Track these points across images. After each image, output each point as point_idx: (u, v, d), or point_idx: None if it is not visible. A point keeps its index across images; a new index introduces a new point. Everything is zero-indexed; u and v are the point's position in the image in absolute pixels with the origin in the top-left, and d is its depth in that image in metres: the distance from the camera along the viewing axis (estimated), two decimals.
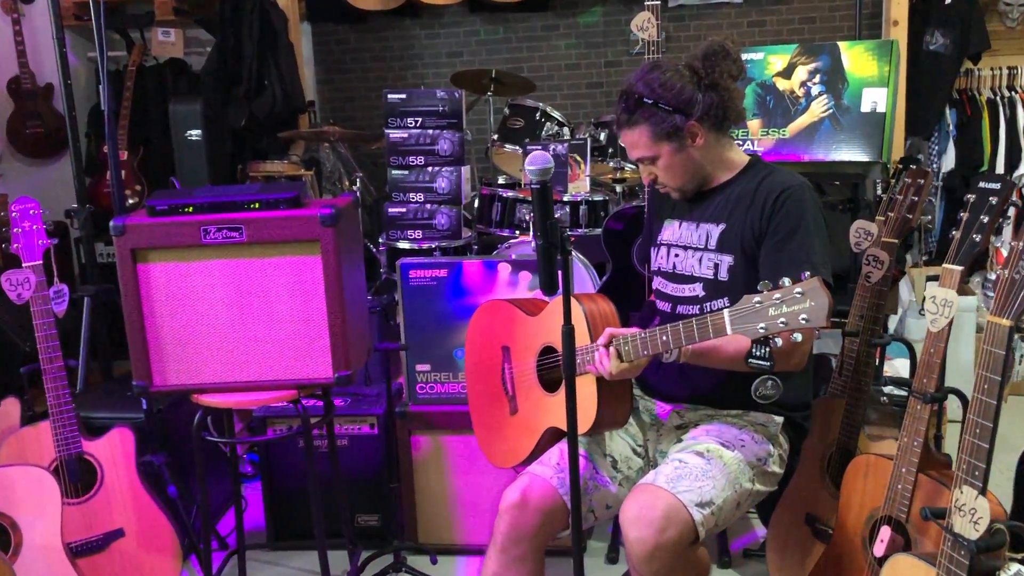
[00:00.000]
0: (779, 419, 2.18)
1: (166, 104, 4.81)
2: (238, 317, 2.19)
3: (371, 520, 3.08)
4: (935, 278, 2.60)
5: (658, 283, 2.24)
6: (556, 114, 4.36)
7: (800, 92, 2.72)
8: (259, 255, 2.16)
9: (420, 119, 3.60)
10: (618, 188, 3.96)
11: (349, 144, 5.10)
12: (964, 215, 1.85)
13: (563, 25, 5.78)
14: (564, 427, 2.11)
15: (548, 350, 2.17)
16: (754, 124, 2.87)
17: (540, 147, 3.69)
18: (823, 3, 5.50)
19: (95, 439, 2.52)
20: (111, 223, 2.13)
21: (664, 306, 2.21)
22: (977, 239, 1.81)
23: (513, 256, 3.43)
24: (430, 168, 3.64)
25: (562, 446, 2.16)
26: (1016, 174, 4.93)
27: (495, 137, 4.41)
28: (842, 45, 2.64)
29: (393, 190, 3.66)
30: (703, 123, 2.03)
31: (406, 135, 3.62)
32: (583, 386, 1.96)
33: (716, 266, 2.08)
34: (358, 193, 4.65)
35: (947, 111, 4.95)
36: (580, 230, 3.71)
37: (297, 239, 2.14)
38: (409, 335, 2.94)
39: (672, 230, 2.22)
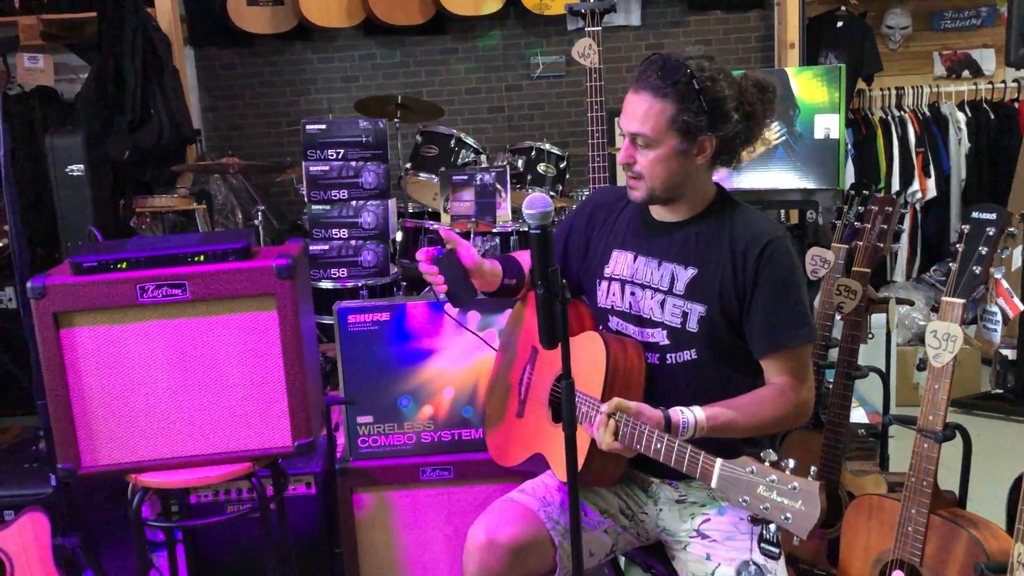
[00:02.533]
0: None
1: (34, 136, 4.40)
2: (181, 384, 1.93)
3: None
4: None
5: (616, 323, 2.03)
6: (471, 141, 4.23)
7: None
8: (205, 313, 1.92)
9: (342, 150, 3.38)
10: None
11: (244, 175, 4.82)
12: (960, 246, 1.81)
13: (462, 49, 5.66)
14: (553, 462, 1.98)
15: None
16: None
17: (464, 176, 3.53)
18: (717, 26, 5.59)
19: (3, 527, 2.19)
20: (29, 284, 1.84)
21: None
22: (977, 271, 1.77)
23: None
24: (354, 202, 3.43)
25: (548, 480, 2.02)
26: (909, 190, 5.12)
27: (408, 166, 4.23)
28: (790, 71, 2.61)
29: (314, 226, 3.42)
30: (717, 145, 1.84)
31: (327, 168, 3.40)
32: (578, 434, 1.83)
33: (685, 315, 1.90)
34: (260, 226, 4.37)
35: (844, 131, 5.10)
36: None
37: (249, 294, 1.91)
38: (349, 385, 2.72)
39: (624, 263, 1.99)
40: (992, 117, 5.14)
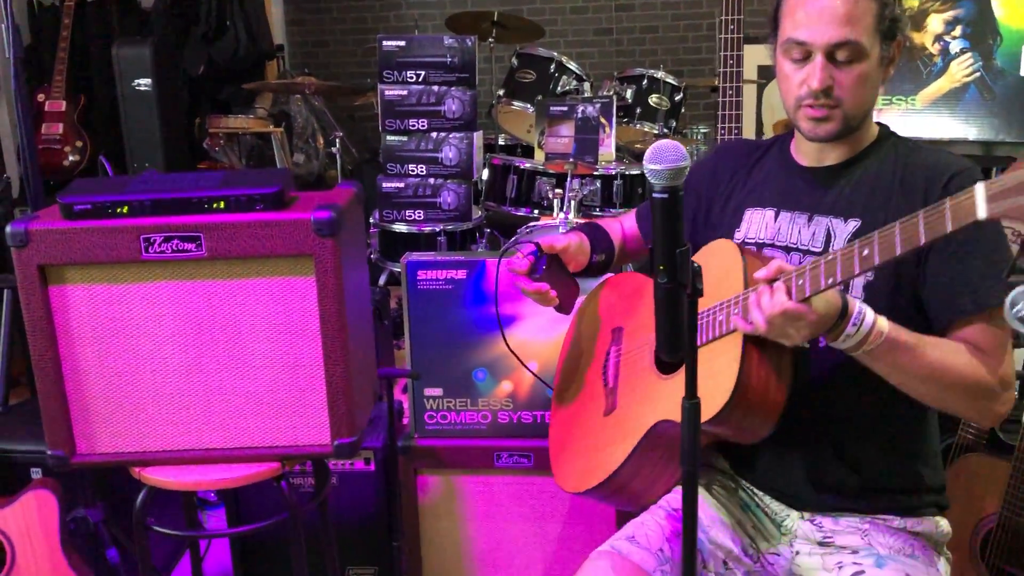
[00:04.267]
0: (944, 521, 1.55)
1: (111, 46, 4.10)
2: (196, 361, 1.55)
3: (366, 573, 2.49)
4: None
5: None
6: (573, 66, 3.71)
7: (935, 48, 2.08)
8: (225, 275, 1.51)
9: (423, 72, 2.91)
10: None
11: (325, 97, 4.41)
12: None
13: None
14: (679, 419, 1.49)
15: None
16: None
17: (564, 107, 3.02)
18: None
19: (3, 505, 1.88)
20: (8, 228, 1.47)
21: None
22: None
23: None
24: (434, 134, 2.97)
25: (661, 519, 1.54)
26: None
27: (501, 93, 3.75)
28: None
29: (388, 160, 2.99)
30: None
31: (405, 92, 2.94)
32: (717, 353, 1.39)
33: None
34: (338, 155, 3.97)
35: None
36: (614, 210, 3.08)
37: (281, 254, 1.50)
38: (416, 353, 2.32)
39: (762, 223, 1.56)
40: None
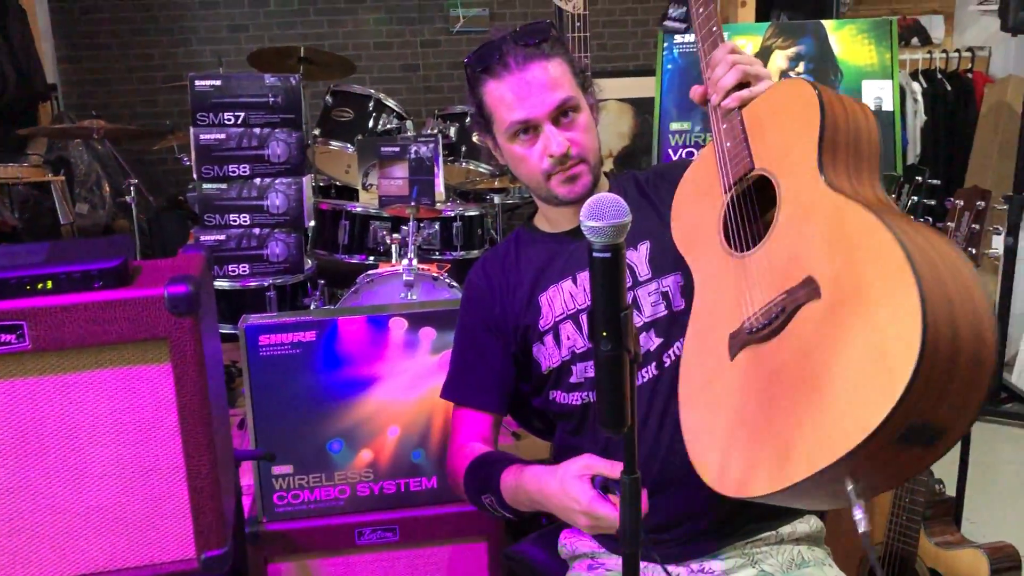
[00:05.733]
0: (814, 518, 1.53)
1: None
2: (20, 477, 1.26)
3: None
4: None
5: (583, 368, 1.51)
6: (393, 103, 3.57)
7: None
8: (56, 370, 1.24)
9: (242, 113, 2.66)
10: (496, 199, 3.23)
11: (112, 141, 4.01)
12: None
13: None
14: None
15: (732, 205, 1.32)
16: None
17: (396, 148, 2.87)
18: None
19: None
20: None
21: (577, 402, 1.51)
22: None
23: (375, 290, 2.63)
24: (258, 180, 2.72)
25: None
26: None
27: (317, 132, 3.53)
28: (828, 25, 2.08)
29: (206, 211, 2.70)
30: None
31: (223, 135, 2.67)
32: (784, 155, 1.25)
33: (665, 295, 1.47)
34: (133, 204, 3.59)
35: None
36: (455, 253, 2.95)
37: (128, 340, 1.24)
38: (262, 427, 2.08)
39: (563, 296, 1.53)
40: (948, 88, 4.80)
